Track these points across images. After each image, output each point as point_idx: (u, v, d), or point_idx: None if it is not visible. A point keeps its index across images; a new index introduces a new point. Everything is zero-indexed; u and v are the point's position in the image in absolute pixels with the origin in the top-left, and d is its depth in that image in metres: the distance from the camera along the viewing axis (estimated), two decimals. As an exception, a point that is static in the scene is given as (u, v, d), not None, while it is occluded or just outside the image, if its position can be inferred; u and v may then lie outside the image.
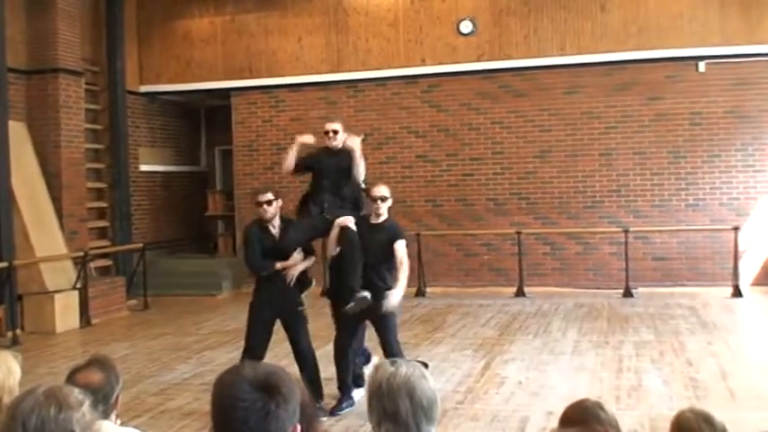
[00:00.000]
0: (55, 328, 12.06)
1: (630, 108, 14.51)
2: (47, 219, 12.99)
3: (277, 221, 7.43)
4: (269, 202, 7.32)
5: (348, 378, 7.51)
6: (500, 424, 6.89)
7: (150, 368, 9.54)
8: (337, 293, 7.59)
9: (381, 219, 7.42)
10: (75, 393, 2.20)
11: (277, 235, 7.42)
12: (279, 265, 7.38)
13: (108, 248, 15.00)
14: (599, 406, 3.09)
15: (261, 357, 7.30)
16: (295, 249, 7.46)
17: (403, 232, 7.53)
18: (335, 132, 7.83)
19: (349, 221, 7.38)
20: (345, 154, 7.85)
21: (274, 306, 7.44)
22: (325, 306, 8.28)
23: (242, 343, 7.61)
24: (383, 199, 7.42)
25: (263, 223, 7.47)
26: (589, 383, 8.14)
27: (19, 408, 2.11)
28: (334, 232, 7.42)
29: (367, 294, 7.14)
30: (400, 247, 7.29)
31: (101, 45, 15.23)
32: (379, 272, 7.29)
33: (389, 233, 7.35)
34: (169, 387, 8.58)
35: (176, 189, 17.83)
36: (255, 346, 7.36)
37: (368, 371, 7.56)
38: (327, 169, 7.78)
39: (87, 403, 2.19)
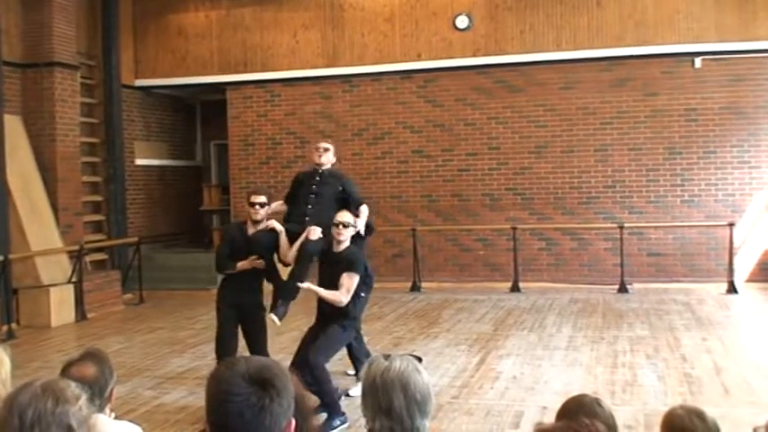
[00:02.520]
0: (50, 322, 12.06)
1: (626, 104, 14.53)
2: (42, 212, 12.98)
3: (262, 225, 7.43)
4: (262, 205, 7.36)
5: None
6: (495, 419, 6.90)
7: (145, 362, 9.54)
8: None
9: (342, 246, 7.13)
10: (73, 387, 2.20)
11: (250, 232, 7.42)
12: (239, 265, 7.32)
13: (103, 242, 14.99)
14: (597, 402, 3.10)
15: (233, 353, 7.26)
16: (266, 249, 7.40)
17: (358, 265, 7.08)
18: (326, 150, 7.76)
19: (313, 232, 7.20)
20: (333, 180, 7.80)
21: (236, 307, 7.39)
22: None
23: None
24: (345, 225, 7.09)
25: (244, 223, 7.51)
26: (584, 379, 8.15)
27: (16, 401, 2.11)
28: (300, 240, 7.30)
29: (275, 318, 7.15)
30: (346, 279, 6.96)
31: (96, 39, 15.20)
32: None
33: (345, 262, 7.04)
34: (164, 381, 8.58)
35: (172, 183, 17.82)
36: (225, 344, 7.33)
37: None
38: (311, 193, 7.74)
39: (84, 397, 2.19)
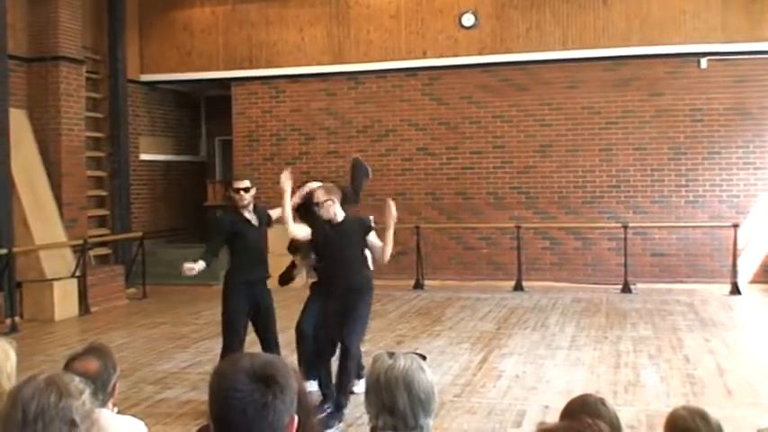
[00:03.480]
0: (54, 316, 12.08)
1: (631, 104, 14.51)
2: (46, 206, 13.00)
3: (251, 209, 7.38)
4: (246, 189, 7.28)
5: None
6: (497, 417, 6.91)
7: (148, 357, 9.55)
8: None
9: (340, 217, 7.15)
10: (76, 382, 2.21)
11: (254, 221, 7.37)
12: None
13: (107, 237, 15.02)
14: (601, 401, 3.09)
15: (241, 347, 7.25)
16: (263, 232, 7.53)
17: (371, 225, 7.39)
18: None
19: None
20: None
21: (250, 286, 7.35)
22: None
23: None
24: (327, 200, 7.14)
25: (237, 212, 7.36)
26: (586, 378, 8.15)
27: (19, 394, 2.11)
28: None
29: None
30: (374, 240, 7.19)
31: (102, 33, 15.21)
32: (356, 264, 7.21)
33: (359, 228, 7.19)
34: (167, 376, 8.59)
35: (176, 179, 17.83)
36: (236, 338, 7.32)
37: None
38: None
39: (88, 392, 2.20)
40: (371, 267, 7.49)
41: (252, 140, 16.25)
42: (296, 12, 15.87)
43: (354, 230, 7.17)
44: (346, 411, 6.91)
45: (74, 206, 13.74)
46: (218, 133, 18.31)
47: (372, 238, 7.18)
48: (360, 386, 7.35)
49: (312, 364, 7.44)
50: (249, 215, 7.38)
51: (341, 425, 6.81)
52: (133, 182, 15.98)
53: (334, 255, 7.16)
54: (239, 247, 7.42)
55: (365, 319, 7.29)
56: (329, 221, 7.15)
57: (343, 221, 7.17)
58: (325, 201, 7.11)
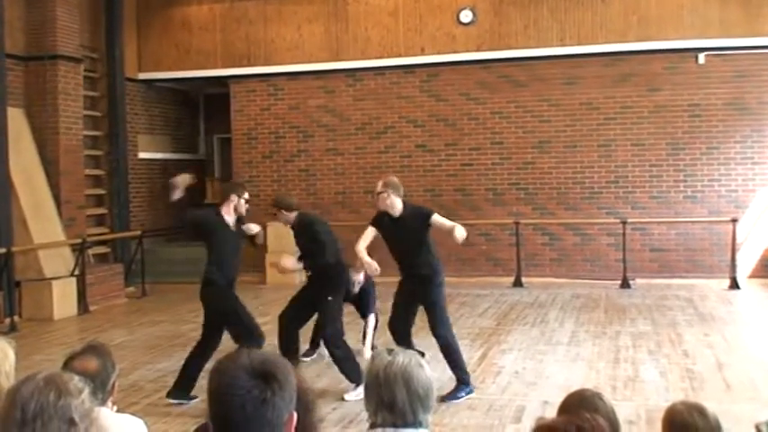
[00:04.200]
0: (53, 315, 12.07)
1: (630, 99, 14.50)
2: (45, 205, 12.99)
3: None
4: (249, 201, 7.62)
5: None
6: (496, 413, 6.92)
7: (147, 356, 9.55)
8: None
9: (398, 209, 7.39)
10: (76, 380, 2.21)
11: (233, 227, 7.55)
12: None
13: (106, 235, 15.00)
14: (598, 396, 3.10)
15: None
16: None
17: (429, 209, 7.67)
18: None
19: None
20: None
21: (232, 285, 7.64)
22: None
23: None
24: (383, 191, 7.44)
25: (219, 215, 7.60)
26: (586, 374, 8.16)
27: (18, 393, 2.11)
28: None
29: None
30: (438, 220, 7.39)
31: (100, 32, 15.18)
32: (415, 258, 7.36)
33: (418, 217, 7.42)
34: (166, 374, 8.58)
35: (175, 177, 17.76)
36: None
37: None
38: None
39: (87, 390, 2.20)
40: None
41: (250, 138, 16.24)
42: (294, 9, 15.85)
43: (413, 222, 7.36)
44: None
45: (72, 205, 13.73)
46: (217, 131, 18.31)
47: (436, 222, 7.32)
48: (359, 392, 7.36)
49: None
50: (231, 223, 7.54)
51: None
52: (132, 180, 15.96)
53: (394, 247, 7.44)
54: (219, 249, 7.56)
55: (442, 305, 7.51)
56: (388, 214, 7.36)
57: (402, 214, 7.37)
58: (380, 192, 7.35)
